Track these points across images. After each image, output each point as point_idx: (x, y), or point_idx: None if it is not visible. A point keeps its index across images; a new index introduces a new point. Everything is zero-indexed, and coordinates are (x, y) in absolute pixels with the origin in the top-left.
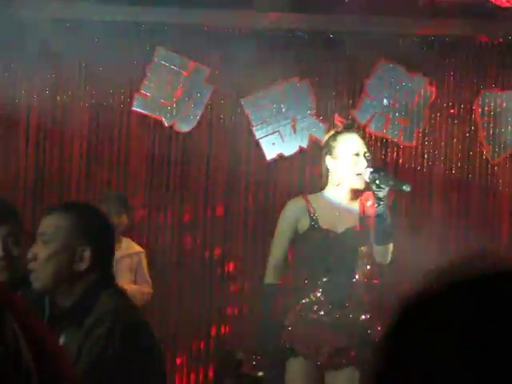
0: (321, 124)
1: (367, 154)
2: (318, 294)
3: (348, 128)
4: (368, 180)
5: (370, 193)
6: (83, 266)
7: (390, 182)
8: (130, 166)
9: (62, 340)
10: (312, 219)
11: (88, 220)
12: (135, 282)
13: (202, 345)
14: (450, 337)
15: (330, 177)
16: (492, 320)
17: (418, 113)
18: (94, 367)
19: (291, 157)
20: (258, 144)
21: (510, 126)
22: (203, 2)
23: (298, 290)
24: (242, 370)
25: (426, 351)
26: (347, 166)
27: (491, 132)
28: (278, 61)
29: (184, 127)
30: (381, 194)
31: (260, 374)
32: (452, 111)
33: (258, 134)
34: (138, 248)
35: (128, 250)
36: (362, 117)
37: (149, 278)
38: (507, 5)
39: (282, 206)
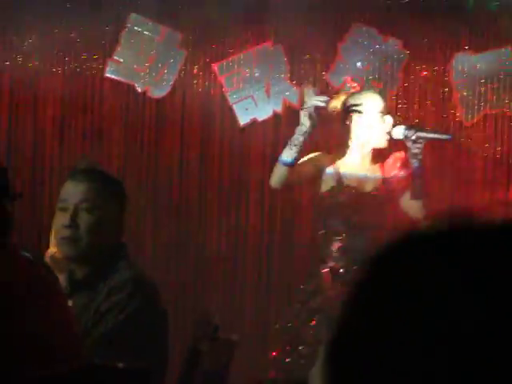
0: (294, 88)
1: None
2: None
3: (367, 89)
4: (402, 137)
5: (400, 154)
6: (120, 234)
7: (431, 135)
8: (104, 132)
9: (70, 302)
10: (337, 174)
11: (118, 187)
12: None
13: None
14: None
15: (352, 137)
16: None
17: (391, 76)
18: (114, 328)
19: (265, 121)
20: (231, 109)
21: (483, 87)
22: None
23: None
24: (218, 335)
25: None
26: (375, 124)
27: (465, 94)
28: (250, 25)
29: (157, 93)
30: (417, 150)
31: (235, 337)
32: (425, 73)
33: (231, 100)
34: None
35: None
36: (335, 80)
37: None
38: None
39: (257, 171)
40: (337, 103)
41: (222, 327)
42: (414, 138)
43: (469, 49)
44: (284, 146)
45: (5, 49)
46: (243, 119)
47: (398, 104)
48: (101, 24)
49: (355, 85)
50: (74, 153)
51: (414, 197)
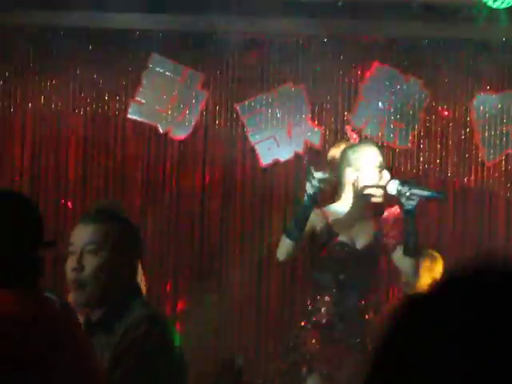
0: (316, 129)
1: (385, 168)
2: (330, 310)
3: (366, 141)
4: (395, 193)
5: (394, 209)
6: (133, 275)
7: (426, 193)
8: (126, 173)
9: None
10: (329, 229)
11: (129, 229)
12: None
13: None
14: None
15: (346, 189)
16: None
17: (413, 116)
18: (134, 367)
19: (287, 162)
20: (253, 150)
21: (505, 127)
22: (198, 7)
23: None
24: (242, 378)
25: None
26: (370, 178)
27: (486, 134)
28: (272, 66)
29: (179, 134)
30: (410, 206)
31: (260, 382)
32: (447, 113)
33: (253, 140)
34: None
35: None
36: (357, 121)
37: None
38: (497, 5)
39: (279, 211)
40: (335, 152)
41: (245, 370)
42: (407, 194)
43: (490, 88)
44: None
45: (28, 90)
46: (265, 159)
47: (419, 144)
48: (123, 64)
49: (355, 136)
50: (97, 194)
51: (407, 253)
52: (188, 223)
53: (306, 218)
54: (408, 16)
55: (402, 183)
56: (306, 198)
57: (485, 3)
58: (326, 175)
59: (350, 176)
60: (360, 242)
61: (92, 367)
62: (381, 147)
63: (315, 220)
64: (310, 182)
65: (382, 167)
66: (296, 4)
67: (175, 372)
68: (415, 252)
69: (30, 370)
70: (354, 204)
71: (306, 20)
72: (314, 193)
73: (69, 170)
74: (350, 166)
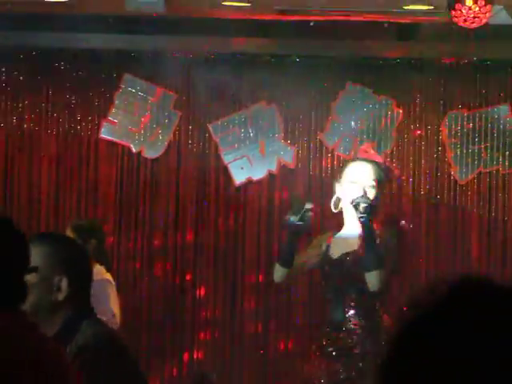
0: (289, 148)
1: (371, 185)
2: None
3: (362, 158)
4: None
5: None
6: (61, 295)
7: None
8: (99, 192)
9: None
10: (327, 245)
11: (63, 250)
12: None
13: (174, 371)
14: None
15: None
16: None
17: (385, 135)
18: None
19: (260, 181)
20: (226, 169)
21: (477, 146)
22: (169, 28)
23: None
24: None
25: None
26: (344, 193)
27: (458, 152)
28: (244, 85)
29: (152, 153)
30: (364, 220)
31: None
32: (419, 132)
33: (226, 159)
34: (104, 276)
35: (95, 277)
36: (329, 140)
37: (113, 309)
38: (467, 25)
39: (252, 229)
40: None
41: None
42: (361, 209)
43: (461, 107)
44: (279, 206)
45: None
46: (238, 178)
47: (392, 163)
48: (96, 85)
49: (362, 153)
50: (70, 213)
51: (364, 268)
52: (162, 241)
53: (294, 247)
54: (380, 36)
55: (355, 198)
56: (290, 229)
57: (455, 23)
58: (311, 205)
59: (336, 190)
60: (338, 253)
61: None
62: (377, 164)
63: (322, 243)
64: (298, 212)
65: (356, 183)
66: (268, 24)
67: None
68: (372, 266)
69: None
70: (351, 224)
71: (278, 40)
72: (300, 224)
73: (41, 189)
74: (338, 181)
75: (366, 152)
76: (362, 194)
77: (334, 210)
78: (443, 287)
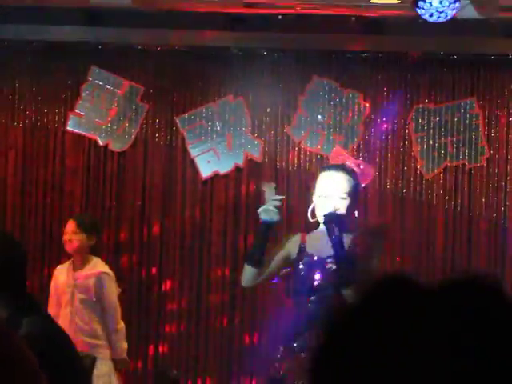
0: (256, 141)
1: (342, 197)
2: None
3: (332, 166)
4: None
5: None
6: (17, 291)
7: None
8: (65, 185)
9: None
10: (301, 246)
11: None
12: (100, 305)
13: (139, 364)
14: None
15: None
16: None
17: (352, 128)
18: None
19: (227, 174)
20: (193, 162)
21: (443, 140)
22: (137, 21)
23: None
24: None
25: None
26: (317, 206)
27: (425, 147)
28: (212, 78)
29: (119, 146)
30: (335, 239)
31: None
32: (386, 126)
33: (193, 152)
34: (102, 268)
35: (92, 270)
36: (296, 133)
37: (116, 306)
38: (433, 20)
39: (219, 223)
40: None
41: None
42: (329, 228)
43: (428, 101)
44: (246, 200)
45: None
46: (205, 172)
47: (358, 157)
48: (62, 77)
49: (333, 158)
50: (36, 206)
51: (340, 286)
52: (128, 235)
53: (265, 243)
54: (346, 30)
55: (326, 216)
56: (262, 224)
57: (421, 17)
58: (282, 197)
59: (313, 201)
60: (327, 253)
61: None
62: (348, 172)
63: (291, 246)
64: (268, 207)
65: (327, 196)
66: (236, 18)
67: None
68: (348, 283)
69: None
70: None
71: (246, 33)
72: (271, 218)
73: (7, 181)
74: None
75: (338, 158)
76: (331, 211)
77: (310, 220)
78: (369, 286)
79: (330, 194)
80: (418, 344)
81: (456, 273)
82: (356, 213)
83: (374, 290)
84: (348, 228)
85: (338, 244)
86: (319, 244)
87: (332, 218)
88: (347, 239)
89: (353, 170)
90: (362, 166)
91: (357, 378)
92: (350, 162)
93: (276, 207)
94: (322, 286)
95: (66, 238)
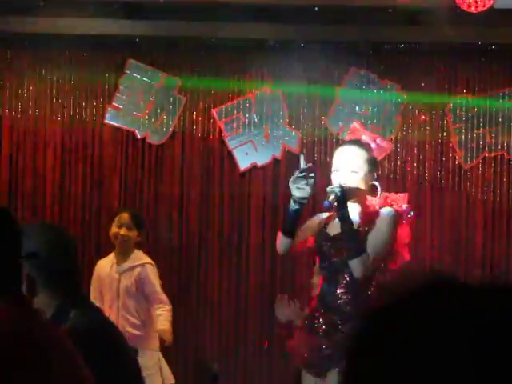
0: (293, 133)
1: (353, 171)
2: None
3: (346, 141)
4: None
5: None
6: (68, 285)
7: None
8: (103, 178)
9: None
10: (323, 225)
11: (57, 239)
12: (144, 295)
13: (180, 354)
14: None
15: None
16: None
17: (390, 119)
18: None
19: (265, 166)
20: (231, 154)
21: (482, 130)
22: (174, 14)
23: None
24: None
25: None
26: (331, 181)
27: (463, 137)
28: (249, 70)
29: (156, 139)
30: (338, 210)
31: None
32: (424, 117)
33: (231, 144)
34: (145, 260)
35: (136, 261)
36: (334, 125)
37: (161, 292)
38: (471, 10)
39: (257, 215)
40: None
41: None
42: (336, 200)
43: (466, 92)
44: (284, 191)
45: (4, 96)
46: (243, 164)
47: (396, 148)
48: (100, 70)
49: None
50: (75, 199)
51: (346, 257)
52: (166, 228)
53: (297, 218)
54: (385, 21)
55: (330, 188)
56: (292, 202)
57: (459, 7)
58: (309, 164)
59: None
60: (336, 231)
61: (83, 375)
62: (362, 145)
63: (315, 224)
64: (299, 183)
65: (338, 171)
66: (274, 9)
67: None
68: (353, 254)
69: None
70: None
71: (284, 25)
72: (302, 195)
73: (46, 175)
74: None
75: (354, 132)
76: (338, 184)
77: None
78: (410, 282)
79: (341, 167)
80: (464, 347)
81: (499, 271)
82: (378, 186)
83: (418, 290)
84: (358, 201)
85: (341, 218)
86: (335, 222)
87: (334, 191)
88: (356, 212)
89: (368, 145)
90: (378, 141)
91: (396, 373)
92: (366, 137)
93: (307, 184)
94: (333, 265)
95: (118, 230)
